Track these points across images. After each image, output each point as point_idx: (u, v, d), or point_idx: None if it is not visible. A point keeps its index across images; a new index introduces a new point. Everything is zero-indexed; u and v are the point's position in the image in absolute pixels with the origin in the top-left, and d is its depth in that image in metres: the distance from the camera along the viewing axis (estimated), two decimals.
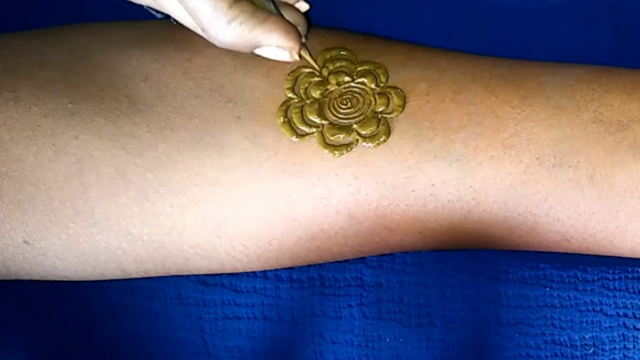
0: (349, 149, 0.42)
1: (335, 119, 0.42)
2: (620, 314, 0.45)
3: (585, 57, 0.46)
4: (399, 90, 0.42)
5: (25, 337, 0.49)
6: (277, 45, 0.42)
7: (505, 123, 0.41)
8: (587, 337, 0.45)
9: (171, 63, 0.44)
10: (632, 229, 0.41)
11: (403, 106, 0.42)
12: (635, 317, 0.45)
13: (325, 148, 0.42)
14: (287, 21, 0.43)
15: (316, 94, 0.43)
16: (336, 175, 0.42)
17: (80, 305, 0.49)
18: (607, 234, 0.41)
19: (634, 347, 0.45)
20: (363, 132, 0.42)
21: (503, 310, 0.46)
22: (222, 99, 0.43)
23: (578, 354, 0.45)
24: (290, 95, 0.43)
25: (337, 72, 0.43)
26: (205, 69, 0.43)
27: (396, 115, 0.42)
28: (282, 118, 0.42)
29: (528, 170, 0.41)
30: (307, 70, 0.43)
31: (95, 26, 0.46)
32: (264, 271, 0.47)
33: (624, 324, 0.45)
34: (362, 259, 0.47)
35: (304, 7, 0.45)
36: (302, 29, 0.44)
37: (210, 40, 0.42)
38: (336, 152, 0.42)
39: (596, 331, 0.45)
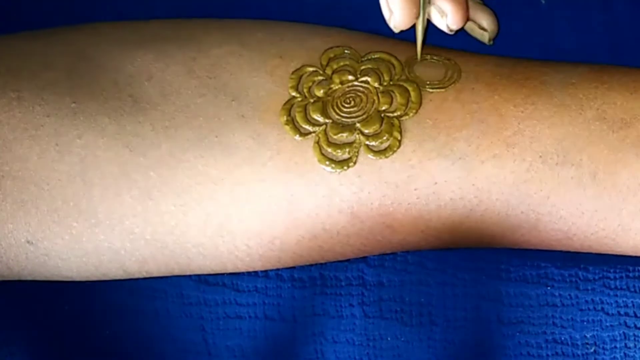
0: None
1: (339, 117, 0.42)
2: (622, 313, 0.45)
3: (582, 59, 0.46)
4: (403, 88, 0.43)
5: (27, 336, 0.49)
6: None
7: (508, 121, 0.41)
8: (588, 336, 0.45)
9: (175, 62, 0.44)
10: (634, 227, 0.41)
11: (406, 105, 0.42)
12: (636, 316, 0.45)
13: (329, 147, 0.42)
14: None
15: (320, 92, 0.43)
16: (339, 174, 0.42)
17: (81, 305, 0.49)
18: (609, 232, 0.41)
19: (635, 346, 0.45)
20: (366, 131, 0.42)
21: (504, 309, 0.46)
22: (226, 97, 0.43)
23: (579, 352, 0.45)
24: (294, 94, 0.43)
25: (340, 71, 0.43)
26: (209, 67, 0.43)
27: (399, 114, 0.42)
28: (285, 117, 0.42)
29: (531, 168, 0.41)
30: (311, 69, 0.44)
31: (99, 26, 0.46)
32: (265, 270, 0.47)
33: (625, 323, 0.45)
34: (363, 258, 0.47)
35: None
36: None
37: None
38: (339, 150, 0.42)
39: (597, 330, 0.45)
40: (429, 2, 0.43)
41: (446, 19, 0.43)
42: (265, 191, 0.42)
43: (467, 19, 0.44)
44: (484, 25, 0.45)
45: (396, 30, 0.43)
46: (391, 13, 0.42)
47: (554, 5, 0.48)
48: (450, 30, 0.43)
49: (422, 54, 0.44)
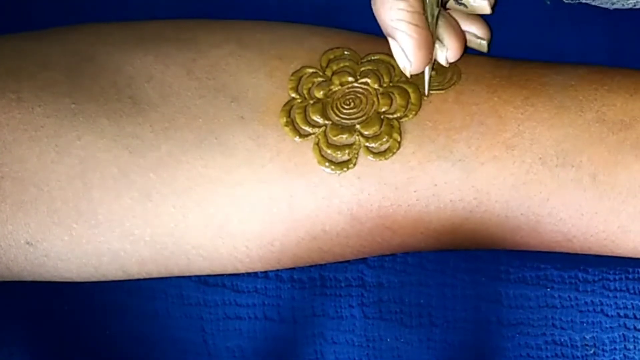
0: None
1: (338, 119, 0.42)
2: (621, 314, 0.45)
3: (582, 60, 0.46)
4: (402, 89, 0.43)
5: (27, 337, 0.49)
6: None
7: (507, 123, 0.41)
8: (587, 337, 0.45)
9: (175, 63, 0.44)
10: (634, 229, 0.41)
11: (406, 106, 0.42)
12: (635, 317, 0.45)
13: (328, 148, 0.42)
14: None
15: (319, 94, 0.43)
16: (339, 175, 0.42)
17: (82, 306, 0.49)
18: (609, 234, 0.41)
19: (635, 348, 0.45)
20: (366, 133, 0.42)
21: (504, 311, 0.46)
22: (225, 98, 0.43)
23: (579, 354, 0.45)
24: (294, 95, 0.43)
25: (340, 72, 0.43)
26: (209, 69, 0.43)
27: (399, 115, 0.42)
28: (285, 118, 0.42)
29: (531, 170, 0.41)
30: (310, 70, 0.44)
31: (98, 27, 0.46)
32: (265, 271, 0.47)
33: (625, 324, 0.45)
34: (363, 259, 0.47)
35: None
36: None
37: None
38: (338, 152, 0.42)
39: (597, 332, 0.45)
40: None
41: (446, 52, 0.43)
42: (264, 192, 0.42)
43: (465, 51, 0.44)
44: (480, 35, 0.45)
45: (408, 75, 0.42)
46: (410, 63, 0.42)
47: (554, 6, 0.48)
48: (447, 63, 0.43)
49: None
